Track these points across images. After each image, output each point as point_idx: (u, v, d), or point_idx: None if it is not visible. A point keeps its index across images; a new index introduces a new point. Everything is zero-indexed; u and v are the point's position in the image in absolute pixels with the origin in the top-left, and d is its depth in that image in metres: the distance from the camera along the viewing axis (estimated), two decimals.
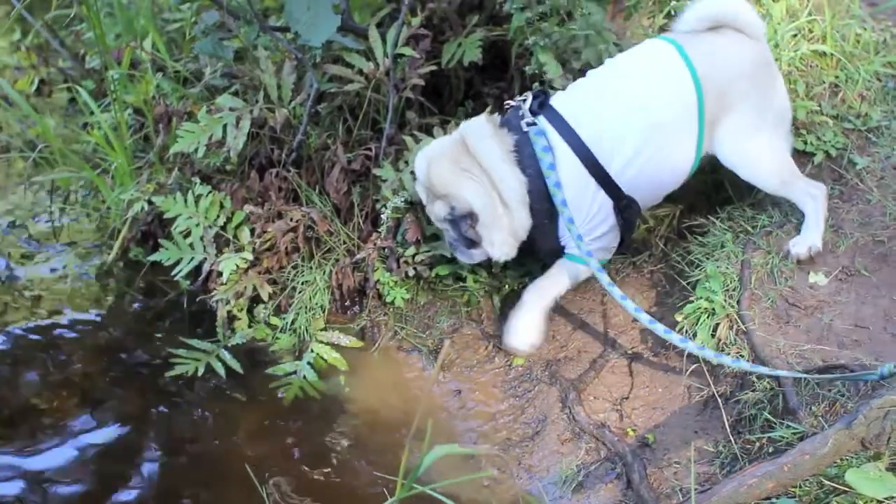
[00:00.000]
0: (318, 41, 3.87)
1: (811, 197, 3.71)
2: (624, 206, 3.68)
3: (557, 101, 3.69)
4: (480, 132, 3.68)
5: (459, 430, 3.77)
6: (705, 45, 3.65)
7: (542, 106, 3.66)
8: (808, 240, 3.66)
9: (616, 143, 3.58)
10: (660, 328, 3.34)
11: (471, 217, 3.66)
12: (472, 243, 3.77)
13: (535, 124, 3.60)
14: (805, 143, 4.04)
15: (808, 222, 3.70)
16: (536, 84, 4.11)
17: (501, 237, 3.71)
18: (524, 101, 3.69)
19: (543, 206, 3.62)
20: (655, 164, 3.64)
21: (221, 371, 4.06)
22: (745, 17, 3.71)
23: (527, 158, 3.59)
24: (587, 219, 3.66)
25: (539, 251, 3.82)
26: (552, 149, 3.57)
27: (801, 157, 4.05)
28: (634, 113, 3.59)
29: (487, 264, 4.10)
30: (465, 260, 3.93)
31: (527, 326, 3.87)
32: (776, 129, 3.76)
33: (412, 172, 4.00)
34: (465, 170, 3.65)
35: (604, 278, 3.44)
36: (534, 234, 3.73)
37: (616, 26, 4.42)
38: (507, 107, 3.77)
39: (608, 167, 3.59)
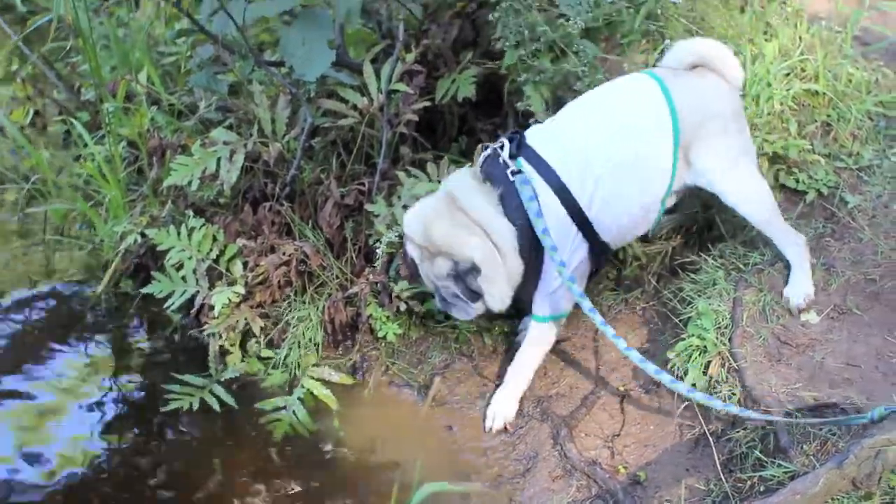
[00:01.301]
0: (313, 76, 3.88)
1: (796, 244, 3.76)
2: (598, 251, 3.69)
3: (535, 138, 3.67)
4: (467, 186, 3.65)
5: (450, 467, 3.75)
6: (686, 82, 3.69)
7: (519, 146, 3.63)
8: (802, 288, 3.70)
9: (593, 181, 3.57)
10: (651, 368, 3.34)
11: (474, 270, 3.63)
12: (475, 296, 3.72)
13: (519, 171, 3.57)
14: (797, 181, 4.06)
15: (796, 270, 3.75)
16: (532, 119, 4.12)
17: (500, 288, 3.69)
18: (501, 146, 3.65)
19: (532, 253, 3.61)
20: (628, 195, 3.64)
21: (216, 406, 4.05)
22: (730, 64, 3.76)
23: (513, 209, 3.56)
24: (569, 255, 3.64)
25: (523, 296, 3.81)
26: (537, 195, 3.56)
27: (792, 195, 4.08)
28: (613, 145, 3.59)
29: None
30: (461, 317, 3.86)
31: (508, 409, 3.89)
32: (755, 164, 3.82)
33: (404, 208, 4.01)
34: (463, 225, 3.61)
35: (597, 318, 3.44)
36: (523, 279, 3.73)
37: (609, 63, 4.44)
38: (484, 151, 3.74)
39: (587, 210, 3.58)
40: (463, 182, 3.68)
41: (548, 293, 3.69)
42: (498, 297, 3.70)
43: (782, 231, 3.77)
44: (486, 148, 3.73)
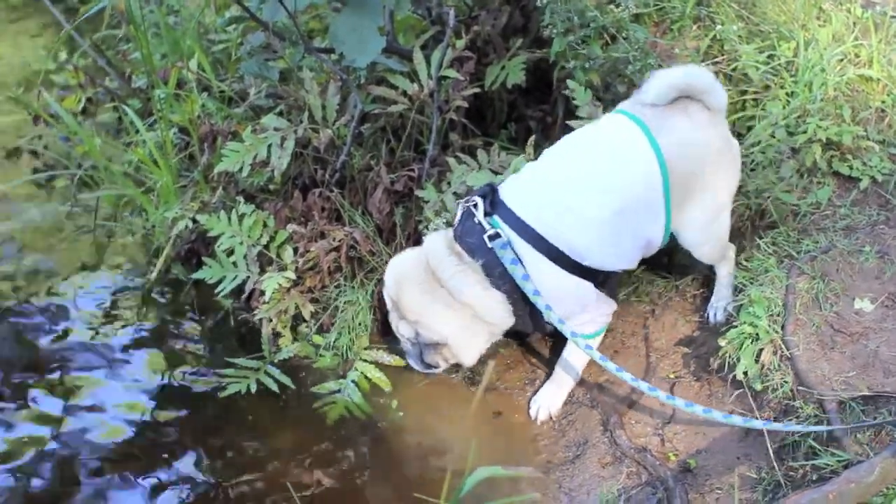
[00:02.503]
0: (364, 63, 3.89)
1: (729, 259, 3.86)
2: (602, 281, 3.63)
3: (512, 194, 3.56)
4: (446, 260, 3.56)
5: (499, 452, 3.75)
6: (673, 128, 3.51)
7: (494, 204, 3.53)
8: (723, 302, 3.85)
9: (583, 232, 3.47)
10: (662, 395, 3.39)
11: (437, 345, 3.63)
12: (429, 367, 3.76)
13: (498, 235, 3.46)
14: (851, 168, 4.01)
15: (722, 283, 3.88)
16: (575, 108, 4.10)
17: (474, 353, 3.70)
18: (475, 205, 3.55)
19: (526, 308, 3.56)
20: (627, 243, 3.57)
21: (274, 387, 4.08)
22: (712, 90, 3.58)
23: (498, 277, 3.49)
24: (578, 305, 3.62)
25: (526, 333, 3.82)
26: (520, 258, 3.47)
27: (846, 182, 4.04)
28: (602, 198, 3.47)
29: None
30: (419, 370, 3.86)
31: (554, 402, 3.89)
32: (729, 206, 3.77)
33: (455, 195, 4.02)
34: (440, 300, 3.56)
35: (595, 355, 3.44)
36: (517, 325, 3.70)
37: (660, 48, 4.42)
38: (459, 208, 3.66)
39: (581, 258, 3.49)
40: (441, 253, 3.59)
41: (577, 319, 3.64)
42: (471, 358, 3.72)
43: (727, 254, 3.86)
44: (463, 203, 3.64)
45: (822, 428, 3.15)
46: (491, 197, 3.55)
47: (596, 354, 3.43)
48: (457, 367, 3.87)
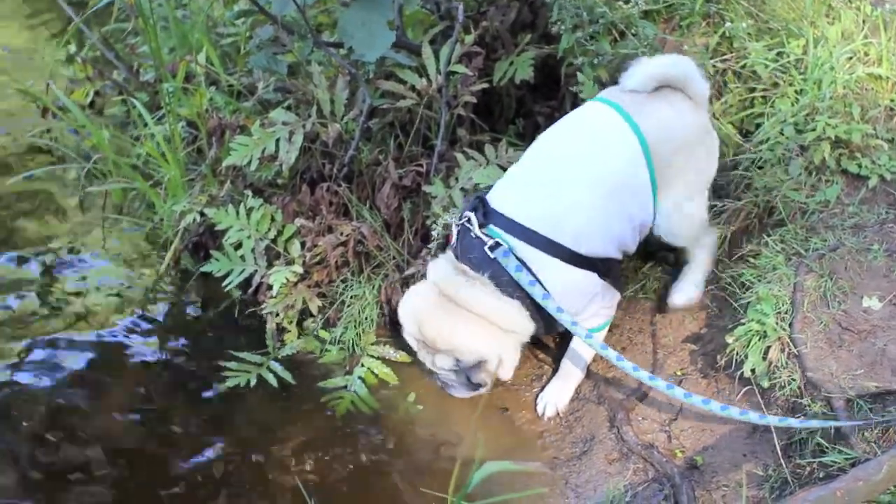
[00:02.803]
0: (373, 57, 3.89)
1: (706, 246, 3.90)
2: (605, 271, 3.63)
3: (502, 199, 3.56)
4: (453, 279, 3.57)
5: (506, 448, 3.76)
6: (654, 113, 3.57)
7: (487, 215, 3.52)
8: (689, 288, 3.89)
9: (577, 221, 3.49)
10: (679, 392, 3.39)
11: (480, 364, 3.61)
12: (477, 386, 3.73)
13: (498, 245, 3.46)
14: (860, 166, 4.00)
15: (696, 264, 3.91)
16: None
17: (510, 363, 3.71)
18: (468, 220, 3.53)
19: (540, 311, 3.56)
20: (619, 226, 3.59)
21: (274, 382, 4.09)
22: (694, 82, 3.65)
23: (507, 286, 3.49)
24: (586, 298, 3.63)
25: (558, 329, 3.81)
26: (523, 259, 3.47)
27: (854, 180, 4.02)
28: (589, 185, 3.51)
29: None
30: (460, 396, 3.85)
31: (561, 399, 3.89)
32: (705, 192, 3.81)
33: (462, 190, 4.02)
34: (462, 320, 3.55)
35: (611, 354, 3.44)
36: (538, 331, 3.71)
37: (668, 45, 4.41)
38: (453, 227, 3.66)
39: (579, 247, 3.50)
40: (447, 274, 3.60)
41: (584, 314, 3.66)
42: (508, 370, 3.73)
43: (702, 240, 3.87)
44: (455, 221, 3.64)
45: (830, 423, 3.14)
46: (482, 208, 3.54)
47: (612, 354, 3.43)
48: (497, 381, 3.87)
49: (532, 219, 3.48)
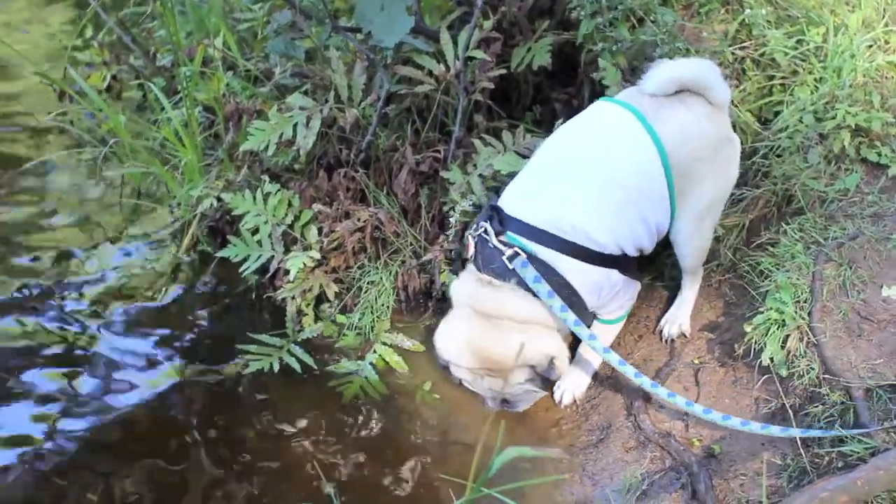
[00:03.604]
0: (391, 42, 3.88)
1: (698, 278, 3.90)
2: (624, 266, 3.64)
3: (516, 204, 3.53)
4: (485, 294, 3.52)
5: (523, 436, 3.76)
6: (672, 119, 3.53)
7: (503, 222, 3.49)
8: (682, 318, 3.89)
9: (595, 224, 3.47)
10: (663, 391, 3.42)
11: (552, 363, 3.57)
12: (551, 383, 3.73)
13: (516, 255, 3.44)
14: (879, 155, 3.98)
15: (684, 299, 3.90)
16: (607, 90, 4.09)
17: (567, 354, 3.68)
18: (485, 231, 3.51)
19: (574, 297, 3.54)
20: (633, 230, 3.57)
21: (296, 366, 4.11)
22: (716, 85, 3.58)
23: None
24: (609, 294, 3.64)
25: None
26: (542, 275, 3.44)
27: (874, 169, 4.00)
28: (605, 189, 3.48)
29: None
30: (524, 408, 3.80)
31: (578, 386, 3.90)
32: (718, 211, 3.79)
33: (480, 176, 4.01)
34: (516, 330, 3.50)
35: (613, 358, 3.44)
36: None
37: (688, 31, 4.40)
38: (469, 239, 3.62)
39: (601, 248, 3.49)
40: (476, 291, 3.56)
41: (608, 307, 3.70)
42: (565, 364, 3.70)
43: (698, 268, 3.86)
44: (472, 231, 3.60)
45: (855, 431, 3.12)
46: (497, 216, 3.52)
47: (615, 358, 3.45)
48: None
49: (549, 222, 3.46)
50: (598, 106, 3.69)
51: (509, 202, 3.57)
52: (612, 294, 3.64)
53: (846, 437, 3.13)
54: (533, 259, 3.45)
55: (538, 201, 3.52)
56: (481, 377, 3.61)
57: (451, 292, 3.72)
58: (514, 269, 3.44)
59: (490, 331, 3.51)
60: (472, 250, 3.59)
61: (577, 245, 3.46)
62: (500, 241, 3.47)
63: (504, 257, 3.45)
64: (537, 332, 3.53)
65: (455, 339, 3.62)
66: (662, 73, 3.57)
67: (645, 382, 3.42)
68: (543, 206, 3.50)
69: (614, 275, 3.60)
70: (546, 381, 3.65)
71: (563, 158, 3.59)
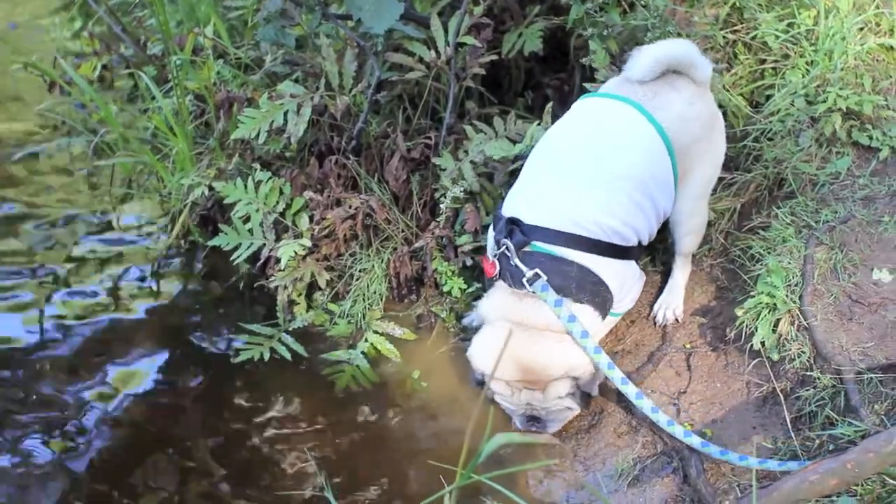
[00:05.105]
0: (382, 29, 3.87)
1: (688, 266, 3.92)
2: (634, 255, 3.65)
3: (534, 212, 3.46)
4: (523, 306, 3.45)
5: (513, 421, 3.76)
6: (668, 105, 3.53)
7: (525, 232, 3.42)
8: (675, 304, 3.90)
9: (615, 219, 3.44)
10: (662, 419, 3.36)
11: (594, 375, 3.51)
12: (590, 398, 3.65)
13: (537, 276, 3.37)
14: (870, 138, 3.98)
15: (678, 287, 3.91)
16: (599, 78, 4.08)
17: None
18: (507, 248, 3.42)
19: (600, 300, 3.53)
20: (647, 220, 3.57)
21: (287, 355, 4.10)
22: (699, 65, 3.59)
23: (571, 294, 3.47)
24: (628, 285, 3.67)
25: None
26: (577, 279, 3.40)
27: (865, 152, 4.00)
28: (622, 184, 3.45)
29: None
30: (555, 428, 3.67)
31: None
32: (711, 186, 3.80)
33: (472, 163, 4.00)
34: (553, 343, 3.43)
35: (616, 375, 3.41)
36: None
37: (679, 16, 4.39)
38: (491, 258, 3.52)
39: (617, 241, 3.47)
40: (512, 304, 3.47)
41: (624, 301, 3.72)
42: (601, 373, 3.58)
43: (695, 249, 3.90)
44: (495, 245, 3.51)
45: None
46: (517, 228, 3.44)
47: (605, 360, 3.43)
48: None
49: (570, 223, 3.41)
50: (594, 102, 3.66)
51: (523, 210, 3.49)
52: (630, 285, 3.67)
53: (837, 421, 3.14)
54: (566, 263, 3.40)
55: (554, 204, 3.45)
56: (519, 390, 3.52)
57: (480, 310, 3.64)
58: (538, 279, 3.38)
59: (532, 341, 3.43)
60: (496, 270, 3.49)
61: (604, 242, 3.43)
62: (523, 256, 3.41)
63: (524, 280, 3.39)
64: (570, 341, 3.46)
65: (494, 350, 3.51)
66: (646, 56, 3.56)
67: (645, 406, 3.37)
68: (561, 208, 3.43)
69: (633, 266, 3.63)
70: (583, 396, 3.59)
71: (570, 157, 3.53)
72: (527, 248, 3.42)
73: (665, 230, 3.82)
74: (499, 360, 3.43)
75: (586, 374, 3.47)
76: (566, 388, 3.49)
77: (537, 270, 3.38)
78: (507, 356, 3.42)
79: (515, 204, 3.54)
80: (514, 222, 3.46)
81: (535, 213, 3.45)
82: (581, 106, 3.68)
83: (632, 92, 3.57)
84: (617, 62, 4.14)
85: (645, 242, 3.65)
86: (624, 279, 3.59)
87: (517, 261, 3.40)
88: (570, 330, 3.39)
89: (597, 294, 3.46)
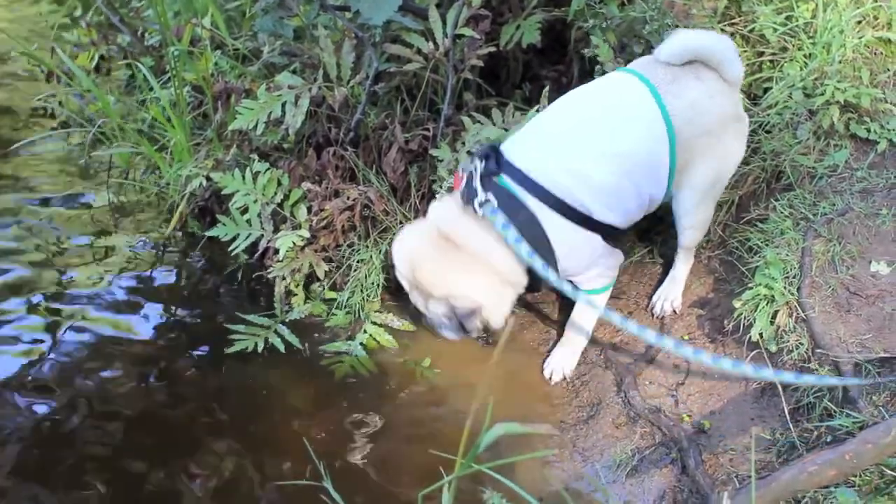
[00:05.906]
0: (380, 20, 3.86)
1: (689, 260, 3.92)
2: (609, 235, 3.60)
3: (518, 152, 3.47)
4: (456, 218, 3.50)
5: (513, 413, 3.75)
6: (682, 91, 3.47)
7: (500, 164, 3.43)
8: (673, 295, 3.93)
9: (590, 191, 3.41)
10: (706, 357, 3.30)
11: (474, 311, 3.53)
12: (468, 332, 3.66)
13: (487, 201, 3.40)
14: (868, 130, 3.99)
15: (678, 280, 3.92)
16: (598, 67, 4.08)
17: (502, 312, 3.62)
18: (475, 169, 3.44)
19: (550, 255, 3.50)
20: (631, 202, 3.54)
21: (281, 346, 4.09)
22: (731, 64, 3.52)
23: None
24: (589, 259, 3.61)
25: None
26: (510, 223, 3.37)
27: (863, 145, 4.01)
28: (608, 160, 3.42)
29: None
30: (449, 338, 3.73)
31: (567, 364, 3.90)
32: (722, 187, 3.75)
33: (469, 153, 4.00)
34: (459, 265, 3.49)
35: (614, 317, 3.37)
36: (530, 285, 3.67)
37: (677, 8, 4.39)
38: (461, 171, 3.59)
39: (590, 213, 3.45)
40: (451, 214, 3.52)
41: (587, 274, 3.66)
42: (499, 319, 3.63)
43: (697, 243, 3.87)
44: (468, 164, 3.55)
45: (835, 380, 3.15)
46: (495, 157, 3.47)
47: (616, 317, 3.38)
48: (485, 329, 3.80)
49: (548, 179, 3.40)
50: (616, 75, 3.62)
51: (512, 149, 3.52)
52: (591, 259, 3.60)
53: (835, 412, 3.14)
54: (518, 207, 3.41)
55: (540, 156, 3.45)
56: (412, 289, 3.65)
57: (429, 208, 3.69)
58: (496, 209, 3.39)
59: (440, 253, 3.50)
60: (462, 184, 3.52)
61: (569, 205, 3.41)
62: (486, 182, 3.43)
63: (476, 201, 3.41)
64: (482, 277, 3.50)
65: (406, 246, 3.62)
66: (677, 41, 3.51)
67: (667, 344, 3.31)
68: (544, 162, 3.43)
69: (596, 240, 3.54)
70: (462, 326, 3.61)
71: (572, 121, 3.52)
72: (494, 179, 3.44)
73: (667, 221, 3.82)
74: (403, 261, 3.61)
75: (464, 306, 3.50)
76: (443, 310, 3.55)
77: (490, 196, 3.40)
78: (412, 258, 3.57)
79: (509, 142, 3.58)
80: (495, 151, 3.50)
81: (516, 154, 3.48)
82: (609, 77, 3.66)
83: (653, 73, 3.51)
84: (616, 55, 4.14)
85: (620, 225, 3.58)
86: (575, 248, 3.51)
87: (478, 183, 3.42)
88: (517, 249, 3.38)
89: (535, 247, 3.42)
